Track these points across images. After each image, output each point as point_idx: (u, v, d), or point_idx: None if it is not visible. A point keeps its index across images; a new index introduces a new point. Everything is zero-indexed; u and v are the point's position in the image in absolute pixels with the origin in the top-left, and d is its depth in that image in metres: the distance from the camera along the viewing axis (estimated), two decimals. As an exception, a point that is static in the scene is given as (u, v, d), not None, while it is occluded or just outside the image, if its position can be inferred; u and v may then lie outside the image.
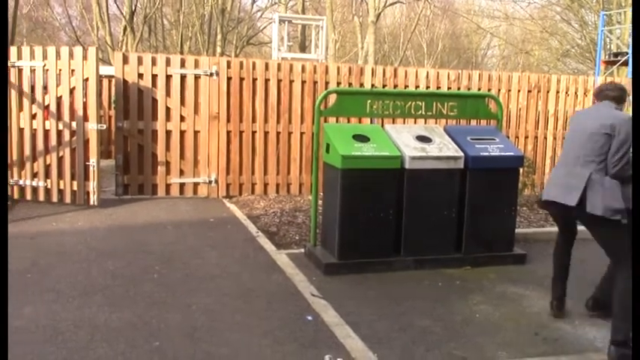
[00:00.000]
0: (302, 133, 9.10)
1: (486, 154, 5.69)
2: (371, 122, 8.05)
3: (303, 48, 19.50)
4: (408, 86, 9.38)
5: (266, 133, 8.97)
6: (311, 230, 5.92)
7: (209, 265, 5.56)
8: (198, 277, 5.22)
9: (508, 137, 9.22)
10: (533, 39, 32.64)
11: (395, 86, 9.33)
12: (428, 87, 9.41)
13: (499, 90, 9.73)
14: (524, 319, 4.47)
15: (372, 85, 9.23)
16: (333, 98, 6.19)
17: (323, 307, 4.56)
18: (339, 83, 9.13)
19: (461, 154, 5.63)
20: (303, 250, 6.01)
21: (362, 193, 5.37)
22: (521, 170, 6.42)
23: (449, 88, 9.49)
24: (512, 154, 5.78)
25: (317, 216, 5.90)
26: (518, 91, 9.85)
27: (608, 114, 4.08)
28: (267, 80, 8.92)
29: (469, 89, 9.55)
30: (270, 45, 17.03)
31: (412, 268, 5.51)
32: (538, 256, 6.05)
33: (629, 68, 15.81)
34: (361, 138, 5.55)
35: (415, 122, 8.62)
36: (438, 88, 9.48)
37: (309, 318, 4.33)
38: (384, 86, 9.26)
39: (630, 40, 15.95)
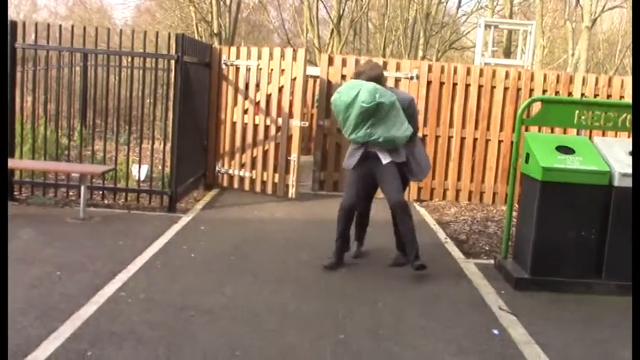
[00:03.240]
0: (500, 141, 8.80)
1: None
2: (577, 134, 7.56)
3: (507, 54, 18.81)
4: (623, 97, 8.65)
5: (462, 139, 8.82)
6: (503, 242, 5.71)
7: (396, 267, 5.60)
8: (386, 275, 5.30)
9: None
10: None
11: (608, 96, 8.65)
12: (647, 98, 8.59)
13: None
14: None
15: (582, 95, 8.64)
16: (536, 107, 5.91)
17: (511, 322, 4.39)
18: (544, 91, 8.69)
19: (682, 174, 5.07)
20: (492, 262, 5.83)
21: (562, 208, 5.06)
22: None
23: (672, 101, 8.57)
24: None
25: (510, 227, 5.68)
26: None
27: None
28: (467, 85, 8.76)
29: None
30: (473, 50, 16.68)
31: (615, 293, 5.08)
32: None
33: None
34: (565, 150, 5.23)
35: (629, 136, 7.91)
36: (659, 100, 8.61)
37: (496, 332, 4.20)
38: (595, 96, 8.63)
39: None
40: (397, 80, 8.73)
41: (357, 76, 5.28)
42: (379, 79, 5.22)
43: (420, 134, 6.58)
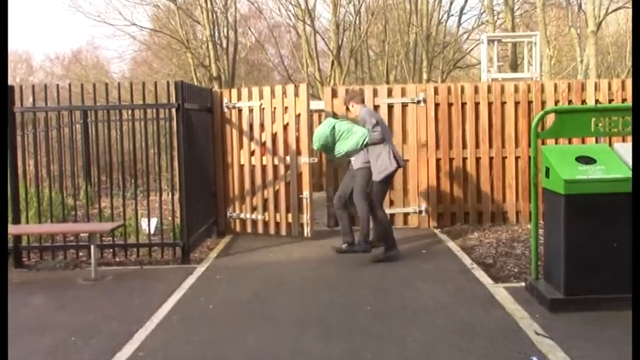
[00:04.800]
0: (517, 158, 8.56)
1: None
2: (596, 142, 7.32)
3: (514, 67, 18.64)
4: None
5: (478, 159, 8.60)
6: (532, 262, 5.45)
7: (422, 298, 5.37)
8: (412, 309, 5.05)
9: None
10: None
11: (623, 100, 8.41)
12: (663, 98, 8.35)
13: None
14: None
15: (596, 101, 8.42)
16: (550, 118, 5.70)
17: (549, 347, 4.13)
18: (557, 102, 8.48)
19: None
20: (523, 284, 5.55)
21: (589, 220, 4.82)
22: None
23: (689, 98, 8.32)
24: None
25: (538, 246, 5.41)
26: None
27: None
28: (476, 104, 8.58)
29: None
30: (479, 67, 16.53)
31: (656, 306, 4.78)
32: None
33: None
34: (586, 160, 5.00)
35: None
36: (675, 98, 8.36)
37: (535, 359, 3.95)
38: (610, 101, 8.41)
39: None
40: (404, 105, 8.57)
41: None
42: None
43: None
